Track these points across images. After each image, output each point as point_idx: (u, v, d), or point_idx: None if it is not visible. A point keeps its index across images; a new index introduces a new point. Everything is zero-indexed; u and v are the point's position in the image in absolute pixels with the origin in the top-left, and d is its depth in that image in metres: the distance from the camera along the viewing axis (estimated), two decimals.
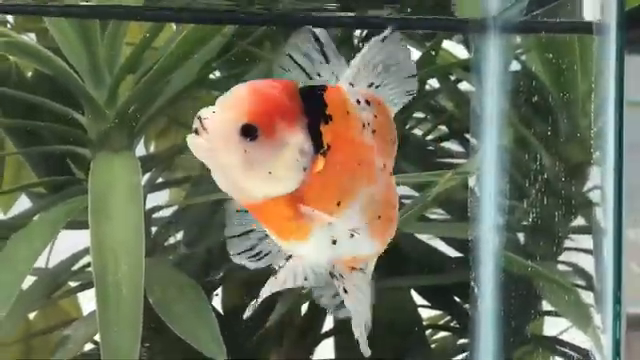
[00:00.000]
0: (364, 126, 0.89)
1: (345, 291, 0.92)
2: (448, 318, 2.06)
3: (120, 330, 1.43)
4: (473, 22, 1.44)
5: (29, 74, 1.94)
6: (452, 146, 1.94)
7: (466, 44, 1.82)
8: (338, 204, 0.87)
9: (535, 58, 1.63)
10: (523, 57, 1.71)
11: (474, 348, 1.50)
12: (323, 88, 0.88)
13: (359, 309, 0.93)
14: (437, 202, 1.54)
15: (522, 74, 1.65)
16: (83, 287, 1.79)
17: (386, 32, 0.91)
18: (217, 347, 1.50)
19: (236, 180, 0.84)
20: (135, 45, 1.73)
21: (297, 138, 0.85)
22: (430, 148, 1.89)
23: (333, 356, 2.00)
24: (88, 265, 1.86)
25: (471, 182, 1.53)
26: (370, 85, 0.91)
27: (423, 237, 1.85)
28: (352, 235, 0.88)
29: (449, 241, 1.86)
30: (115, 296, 1.46)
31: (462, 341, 2.03)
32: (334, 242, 0.88)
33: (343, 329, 1.99)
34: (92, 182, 1.53)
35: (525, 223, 1.71)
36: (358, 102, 0.89)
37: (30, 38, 1.87)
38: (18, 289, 1.52)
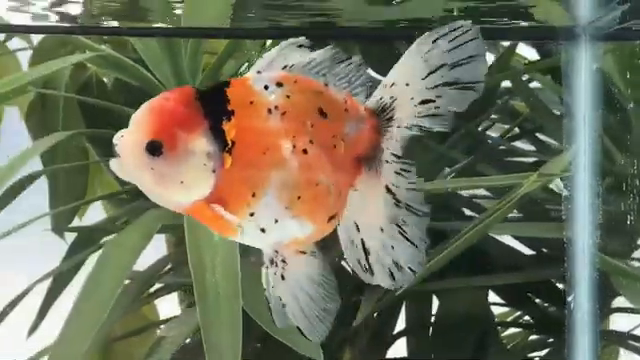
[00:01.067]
0: (270, 111, 0.90)
1: (282, 277, 0.94)
2: (517, 315, 2.09)
3: (221, 330, 1.46)
4: (564, 30, 1.47)
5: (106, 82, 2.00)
6: (522, 145, 1.97)
7: (538, 47, 1.86)
8: (253, 195, 0.89)
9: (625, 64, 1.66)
10: (612, 63, 1.73)
11: (570, 345, 1.53)
12: (226, 84, 0.90)
13: (295, 301, 0.94)
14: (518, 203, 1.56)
15: (610, 80, 1.68)
16: (169, 290, 1.83)
17: (298, 40, 0.93)
18: (314, 347, 1.53)
19: (155, 194, 0.88)
20: (217, 55, 1.79)
21: (200, 143, 0.87)
22: (503, 148, 1.91)
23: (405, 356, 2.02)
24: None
25: (554, 183, 1.57)
26: (284, 67, 0.92)
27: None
28: (276, 221, 0.90)
29: (521, 239, 1.89)
30: (214, 296, 1.49)
31: (533, 337, 2.06)
32: (263, 230, 0.90)
33: (416, 330, 2.03)
34: None
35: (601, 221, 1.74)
36: (266, 87, 0.90)
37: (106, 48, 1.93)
38: (117, 293, 1.55)
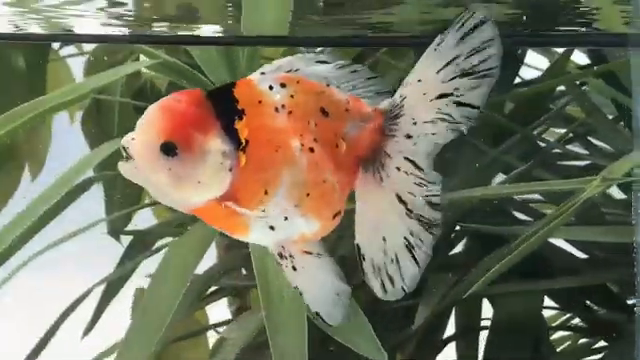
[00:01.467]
0: (277, 110, 0.91)
1: (294, 269, 0.96)
2: (566, 317, 2.09)
3: (287, 334, 1.47)
4: (635, 37, 1.47)
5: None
6: (575, 149, 1.97)
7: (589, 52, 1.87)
8: (265, 192, 0.90)
9: None
10: None
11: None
12: (232, 85, 0.91)
13: (310, 289, 0.96)
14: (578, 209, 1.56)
15: None
16: (224, 294, 1.84)
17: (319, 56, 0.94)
18: (377, 350, 1.53)
19: (170, 194, 0.89)
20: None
21: (215, 143, 0.88)
22: (558, 152, 1.92)
23: None
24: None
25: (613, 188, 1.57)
26: (288, 71, 0.93)
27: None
28: (286, 218, 0.91)
29: (574, 243, 1.89)
30: (279, 300, 1.50)
31: (583, 340, 2.06)
32: (272, 228, 0.92)
33: (466, 335, 2.04)
34: None
35: None
36: (271, 88, 0.91)
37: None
38: (181, 294, 1.56)
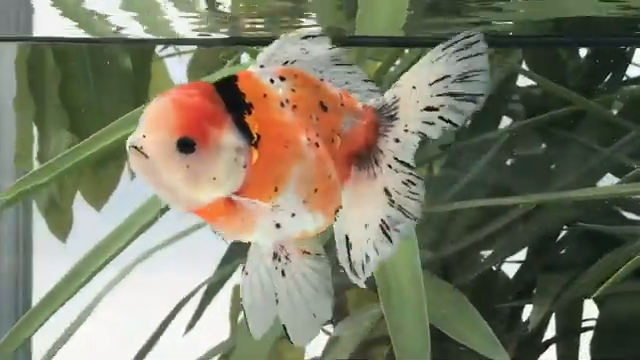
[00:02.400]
0: (282, 104, 0.88)
1: (283, 274, 0.91)
2: None
3: (409, 330, 1.46)
4: None
5: None
6: None
7: None
8: (275, 189, 0.87)
9: None
10: None
11: None
12: (235, 78, 0.87)
13: (290, 297, 0.91)
14: None
15: None
16: None
17: (307, 33, 0.91)
18: (496, 348, 1.52)
19: (182, 194, 0.84)
20: (381, 61, 1.81)
21: (229, 138, 0.84)
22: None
23: None
24: None
25: None
26: (285, 63, 0.90)
27: None
28: (293, 215, 0.88)
29: None
30: (397, 295, 1.49)
31: None
32: (278, 226, 0.88)
33: (566, 337, 2.02)
34: None
35: None
36: (272, 81, 0.88)
37: None
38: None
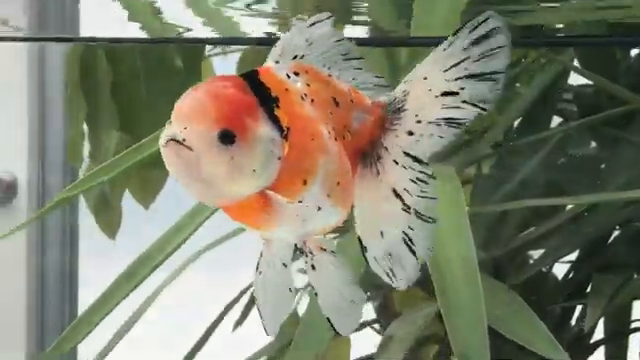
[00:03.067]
0: (303, 98, 0.87)
1: (313, 267, 0.91)
2: None
3: (467, 334, 1.46)
4: None
5: None
6: None
7: None
8: (304, 182, 0.86)
9: None
10: None
11: None
12: (257, 73, 0.87)
13: (325, 289, 0.91)
14: None
15: None
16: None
17: (315, 18, 0.90)
18: (556, 348, 1.52)
19: (223, 187, 0.83)
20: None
21: (265, 130, 0.84)
22: None
23: None
24: None
25: None
26: (294, 57, 0.89)
27: None
28: (319, 209, 0.87)
29: None
30: (454, 293, 1.49)
31: None
32: (304, 220, 0.87)
33: (615, 338, 2.01)
34: None
35: None
36: (288, 76, 0.88)
37: None
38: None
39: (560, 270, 2.00)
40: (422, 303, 1.80)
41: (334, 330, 0.92)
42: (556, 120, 2.00)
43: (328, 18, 0.91)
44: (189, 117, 0.81)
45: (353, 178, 0.91)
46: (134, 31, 1.83)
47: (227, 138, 0.82)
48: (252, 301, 2.04)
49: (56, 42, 2.10)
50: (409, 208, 0.90)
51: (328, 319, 0.92)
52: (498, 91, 0.90)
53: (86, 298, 2.24)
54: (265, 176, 0.84)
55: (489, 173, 1.94)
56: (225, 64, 2.31)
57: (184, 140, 0.81)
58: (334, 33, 0.91)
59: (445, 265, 1.53)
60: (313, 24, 0.90)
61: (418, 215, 0.90)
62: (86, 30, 1.92)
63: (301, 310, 2.06)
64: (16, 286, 2.36)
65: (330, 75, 0.91)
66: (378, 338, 1.97)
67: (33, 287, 2.39)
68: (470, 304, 1.49)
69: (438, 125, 0.90)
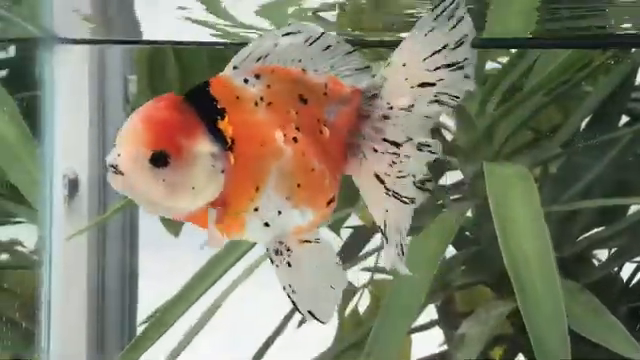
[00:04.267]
0: (256, 104, 0.88)
1: (289, 265, 0.92)
2: None
3: (547, 332, 1.46)
4: None
5: None
6: None
7: None
8: (257, 189, 0.88)
9: None
10: None
11: None
12: (207, 84, 0.88)
13: (303, 285, 0.92)
14: None
15: None
16: None
17: (293, 27, 0.90)
18: (635, 347, 1.52)
19: (163, 205, 0.86)
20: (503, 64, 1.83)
21: (203, 146, 0.85)
22: None
23: None
24: None
25: None
26: (258, 59, 0.89)
27: None
28: (279, 213, 0.88)
29: None
30: (532, 290, 1.50)
31: None
32: (266, 224, 0.89)
33: None
34: (490, 188, 1.60)
35: None
36: (246, 81, 0.88)
37: None
38: (427, 290, 1.59)
39: (626, 271, 1.99)
40: (492, 302, 1.81)
41: (317, 320, 0.93)
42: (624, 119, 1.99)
43: (299, 32, 0.90)
44: (123, 142, 0.85)
45: (344, 172, 0.93)
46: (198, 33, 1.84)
47: (160, 160, 0.84)
48: None
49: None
50: (389, 191, 0.92)
51: (309, 312, 0.92)
52: (470, 79, 0.90)
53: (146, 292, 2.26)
54: (209, 191, 0.86)
55: (556, 173, 1.94)
56: None
57: (117, 166, 0.84)
58: (309, 38, 0.90)
59: (523, 263, 1.53)
60: (288, 34, 0.90)
61: (395, 195, 0.92)
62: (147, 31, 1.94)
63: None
64: (77, 284, 2.37)
65: (304, 70, 0.91)
66: (438, 339, 1.98)
67: (94, 286, 2.40)
68: (549, 302, 1.49)
69: (408, 111, 0.91)
